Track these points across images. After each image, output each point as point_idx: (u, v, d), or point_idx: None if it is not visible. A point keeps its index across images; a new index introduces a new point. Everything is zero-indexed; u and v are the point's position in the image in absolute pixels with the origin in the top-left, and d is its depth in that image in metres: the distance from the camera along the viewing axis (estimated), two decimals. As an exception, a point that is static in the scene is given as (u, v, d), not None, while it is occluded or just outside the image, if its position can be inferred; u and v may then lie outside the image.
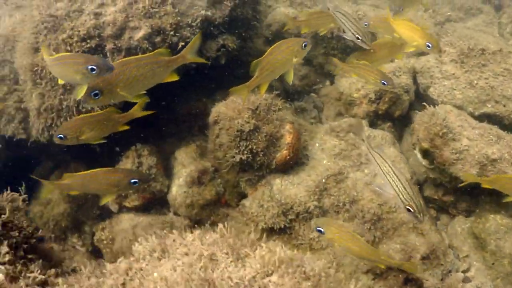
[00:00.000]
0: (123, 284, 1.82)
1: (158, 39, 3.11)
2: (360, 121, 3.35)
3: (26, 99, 3.33)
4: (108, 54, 3.04)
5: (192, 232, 2.04)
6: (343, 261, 3.14)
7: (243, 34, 3.44)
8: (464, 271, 3.18)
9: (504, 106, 3.57)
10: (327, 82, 3.97)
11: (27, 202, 2.34)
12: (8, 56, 3.38)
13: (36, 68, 3.16)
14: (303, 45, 2.74)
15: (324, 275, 1.79)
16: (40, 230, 2.21)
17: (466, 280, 3.17)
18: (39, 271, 1.98)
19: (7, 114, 3.42)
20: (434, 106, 3.39)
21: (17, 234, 2.05)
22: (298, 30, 3.92)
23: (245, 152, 3.11)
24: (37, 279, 1.95)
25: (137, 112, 2.73)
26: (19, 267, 1.97)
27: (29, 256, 2.05)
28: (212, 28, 3.24)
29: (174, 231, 2.05)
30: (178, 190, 3.31)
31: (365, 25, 3.61)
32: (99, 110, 3.07)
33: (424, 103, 3.36)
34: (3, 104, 3.44)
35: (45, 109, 3.22)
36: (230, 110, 3.18)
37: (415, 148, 3.29)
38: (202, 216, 3.33)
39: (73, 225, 3.49)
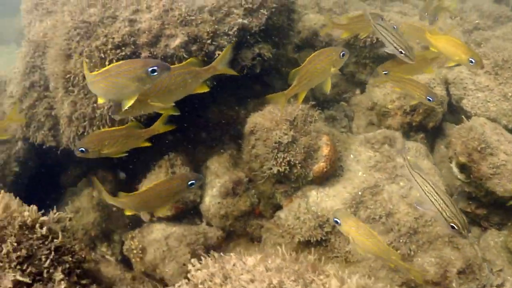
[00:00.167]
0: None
1: (194, 47, 3.04)
2: (401, 140, 3.31)
3: (56, 106, 3.26)
4: (143, 62, 2.97)
5: (251, 256, 2.00)
6: (378, 274, 3.14)
7: (278, 42, 3.38)
8: (498, 286, 3.18)
9: (539, 119, 3.56)
10: (357, 91, 3.93)
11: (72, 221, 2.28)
12: (38, 62, 3.30)
13: (68, 76, 3.08)
14: (341, 54, 2.74)
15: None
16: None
17: (501, 294, 3.18)
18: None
19: (37, 121, 3.33)
20: (468, 119, 3.38)
21: (70, 259, 1.98)
22: (330, 38, 3.88)
23: (283, 164, 3.07)
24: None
25: (159, 127, 2.71)
26: (75, 295, 1.93)
27: (83, 282, 2.00)
28: (248, 37, 3.18)
29: (232, 254, 2.01)
30: (211, 200, 3.27)
31: (394, 28, 3.58)
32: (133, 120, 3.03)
33: (462, 117, 3.34)
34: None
35: (77, 117, 3.14)
36: (268, 121, 3.13)
37: (451, 162, 3.28)
38: (236, 227, 3.30)
39: (103, 234, 3.44)
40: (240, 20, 3.11)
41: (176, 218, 3.36)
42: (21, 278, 1.82)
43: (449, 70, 3.72)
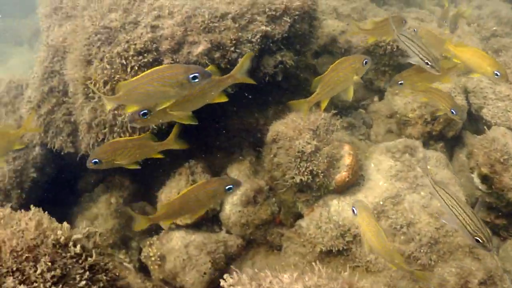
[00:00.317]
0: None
1: (217, 54, 3.01)
2: (421, 150, 3.29)
3: (75, 112, 3.22)
4: (165, 69, 2.94)
5: (286, 272, 1.98)
6: (399, 284, 3.14)
7: (299, 49, 3.35)
8: (519, 296, 3.19)
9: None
10: (375, 98, 3.91)
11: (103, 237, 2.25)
12: (57, 67, 3.24)
13: (89, 82, 3.03)
14: (364, 62, 2.75)
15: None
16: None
17: (521, 305, 3.18)
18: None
19: (55, 127, 3.29)
20: (488, 128, 3.37)
21: (104, 277, 1.96)
22: (349, 45, 3.85)
23: (306, 173, 3.05)
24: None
25: (172, 143, 2.72)
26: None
27: (117, 300, 1.98)
28: (271, 44, 3.15)
29: (267, 271, 2.00)
30: (232, 209, 3.25)
31: (414, 31, 3.57)
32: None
33: (485, 127, 3.33)
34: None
35: (97, 124, 3.11)
36: (290, 129, 3.11)
37: (472, 173, 3.28)
38: (257, 235, 3.28)
39: (120, 241, 3.41)
40: (263, 27, 3.08)
41: (195, 226, 3.34)
42: (56, 299, 1.79)
43: (469, 79, 3.71)
